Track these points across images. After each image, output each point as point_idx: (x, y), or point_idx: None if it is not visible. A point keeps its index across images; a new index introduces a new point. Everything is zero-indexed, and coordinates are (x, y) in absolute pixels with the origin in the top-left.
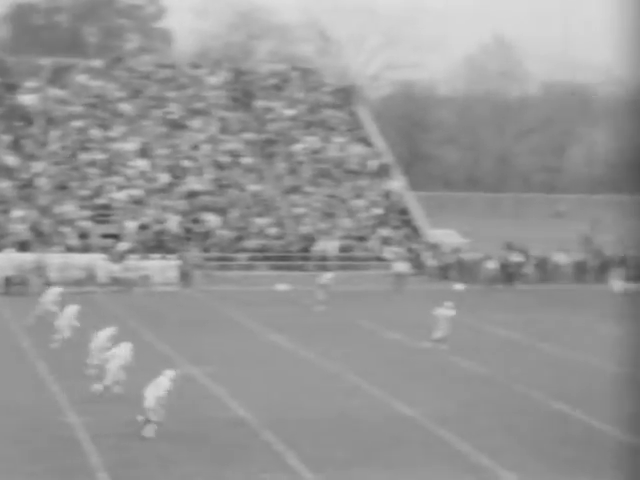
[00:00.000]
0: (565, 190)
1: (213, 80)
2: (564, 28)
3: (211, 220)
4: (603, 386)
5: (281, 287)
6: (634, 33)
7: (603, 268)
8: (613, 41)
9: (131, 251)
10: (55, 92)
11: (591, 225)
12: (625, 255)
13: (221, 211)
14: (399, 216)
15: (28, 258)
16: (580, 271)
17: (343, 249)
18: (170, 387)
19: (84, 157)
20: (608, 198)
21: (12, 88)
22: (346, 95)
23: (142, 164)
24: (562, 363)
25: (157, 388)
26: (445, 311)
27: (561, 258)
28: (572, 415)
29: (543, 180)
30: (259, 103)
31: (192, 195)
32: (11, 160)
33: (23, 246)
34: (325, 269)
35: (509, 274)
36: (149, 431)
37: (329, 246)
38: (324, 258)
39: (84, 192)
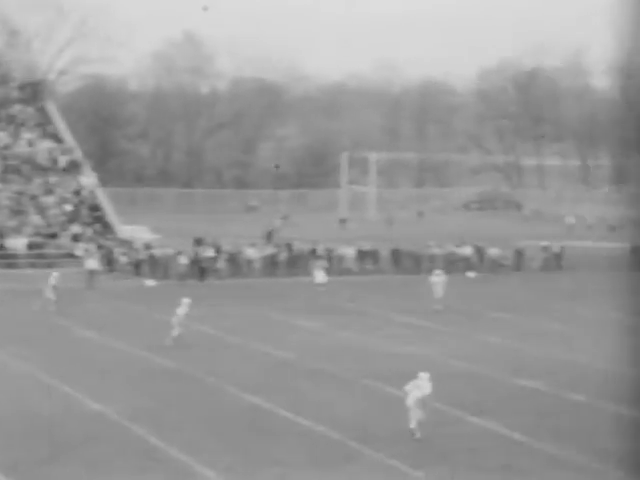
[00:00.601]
0: (256, 185)
1: None
2: (256, 26)
3: None
4: (295, 378)
5: None
6: None
7: (293, 262)
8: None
9: None
10: None
11: (281, 219)
12: (320, 248)
13: None
14: (90, 212)
15: None
16: (271, 265)
17: (32, 246)
18: None
19: None
20: (296, 193)
21: None
22: (34, 90)
23: None
24: (254, 356)
25: None
26: (182, 308)
27: (252, 253)
28: (265, 407)
29: (234, 175)
30: None
31: None
32: None
33: None
34: (14, 267)
35: (201, 269)
36: None
37: (18, 243)
38: (13, 256)
39: None
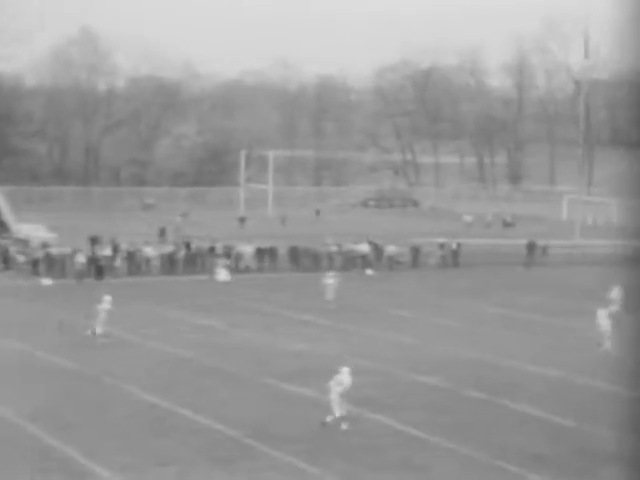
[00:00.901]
0: (153, 183)
1: None
2: (154, 24)
3: None
4: (194, 377)
5: None
6: None
7: (191, 260)
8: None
9: None
10: None
11: (180, 217)
12: (219, 246)
13: None
14: None
15: None
16: (169, 263)
17: None
18: None
19: None
20: (195, 191)
21: None
22: None
23: None
24: (153, 355)
25: None
26: (104, 305)
27: (150, 251)
28: (164, 406)
29: (132, 173)
30: None
31: None
32: None
33: None
34: None
35: (98, 268)
36: None
37: None
38: None
39: None
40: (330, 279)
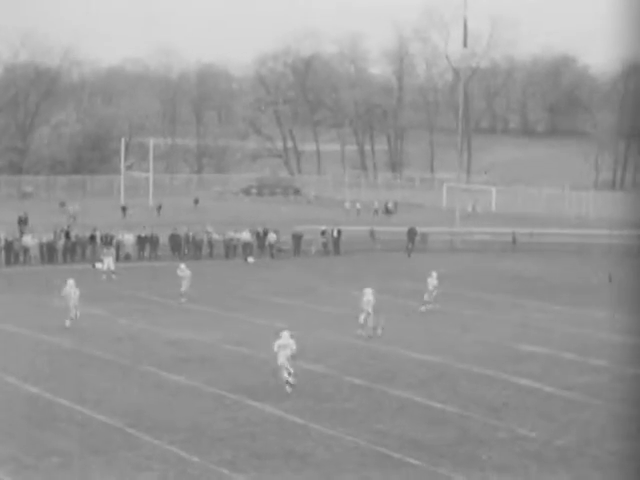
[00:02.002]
0: (31, 171)
1: None
2: (31, 11)
3: None
4: (75, 366)
5: None
6: None
7: (71, 249)
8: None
9: None
10: None
11: (60, 205)
12: (99, 234)
13: None
14: None
15: None
16: (49, 252)
17: None
18: None
19: None
20: (73, 179)
21: None
22: None
23: None
24: (32, 345)
25: None
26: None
27: (28, 240)
28: (45, 397)
29: (9, 161)
30: None
31: None
32: None
33: None
34: None
35: None
36: None
37: None
38: None
39: None
40: (181, 272)
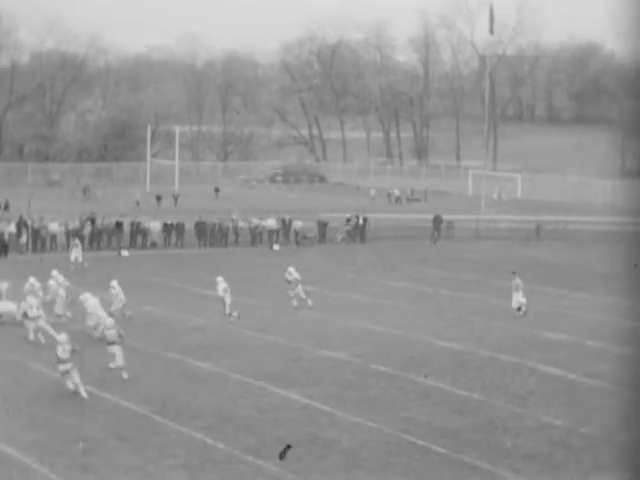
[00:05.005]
0: (58, 158)
1: None
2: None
3: None
4: (100, 353)
5: None
6: None
7: (97, 235)
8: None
9: None
10: None
11: (83, 192)
12: (126, 222)
13: None
14: None
15: None
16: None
17: None
18: None
19: None
20: (99, 166)
21: None
22: None
23: None
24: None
25: None
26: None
27: (55, 227)
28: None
29: (36, 148)
30: None
31: None
32: None
33: None
34: None
35: (2, 244)
36: None
37: None
38: None
39: None
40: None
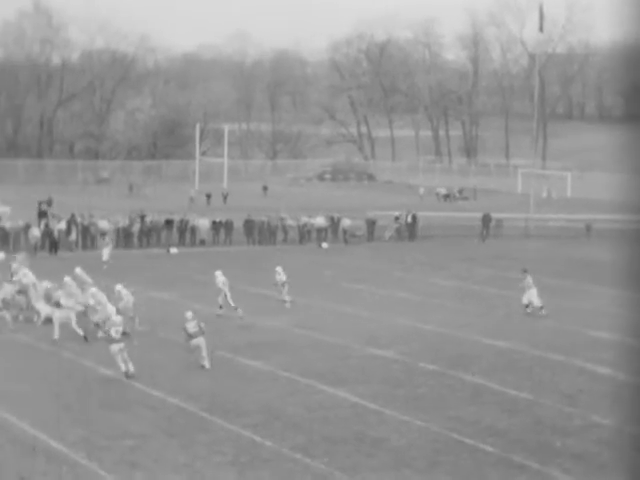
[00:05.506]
0: (107, 156)
1: None
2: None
3: None
4: (149, 350)
5: None
6: None
7: (146, 233)
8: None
9: None
10: None
11: (129, 189)
12: (175, 219)
13: None
14: None
15: None
16: (124, 237)
17: None
18: None
19: None
20: (149, 164)
21: None
22: None
23: None
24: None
25: None
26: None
27: (105, 224)
28: (119, 380)
29: (86, 146)
30: None
31: None
32: None
33: None
34: None
35: (53, 241)
36: None
37: None
38: None
39: None
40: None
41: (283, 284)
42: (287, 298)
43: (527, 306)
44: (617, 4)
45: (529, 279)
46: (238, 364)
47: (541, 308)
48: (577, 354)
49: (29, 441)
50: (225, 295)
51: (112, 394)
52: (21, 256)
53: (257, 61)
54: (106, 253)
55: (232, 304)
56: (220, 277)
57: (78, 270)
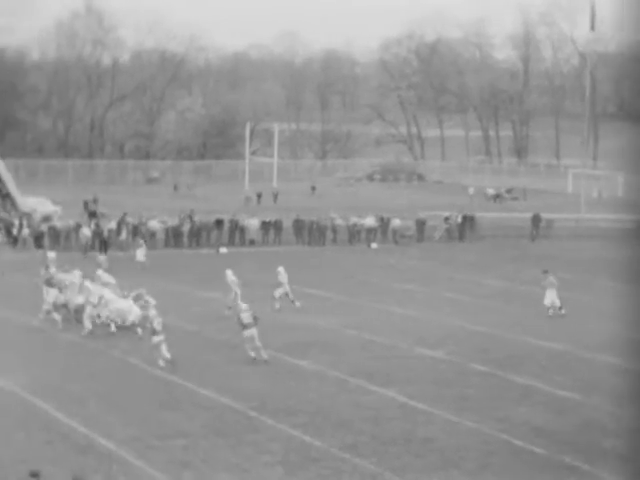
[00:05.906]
0: (157, 156)
1: None
2: None
3: None
4: (198, 350)
5: None
6: None
7: (196, 233)
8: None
9: None
10: None
11: (174, 189)
12: (225, 219)
13: None
14: None
15: None
16: (174, 236)
17: None
18: None
19: None
20: (199, 164)
21: None
22: None
23: None
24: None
25: None
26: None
27: (155, 224)
28: (170, 380)
29: (136, 146)
30: None
31: None
32: None
33: None
34: None
35: (103, 241)
36: None
37: None
38: None
39: None
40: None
41: (283, 284)
42: (276, 296)
43: (549, 308)
44: None
45: (551, 278)
46: (287, 364)
47: (560, 308)
48: (627, 356)
49: (80, 439)
50: (235, 294)
51: (162, 393)
52: (52, 255)
53: (307, 61)
54: (141, 254)
55: (241, 304)
56: (231, 276)
57: (99, 272)
